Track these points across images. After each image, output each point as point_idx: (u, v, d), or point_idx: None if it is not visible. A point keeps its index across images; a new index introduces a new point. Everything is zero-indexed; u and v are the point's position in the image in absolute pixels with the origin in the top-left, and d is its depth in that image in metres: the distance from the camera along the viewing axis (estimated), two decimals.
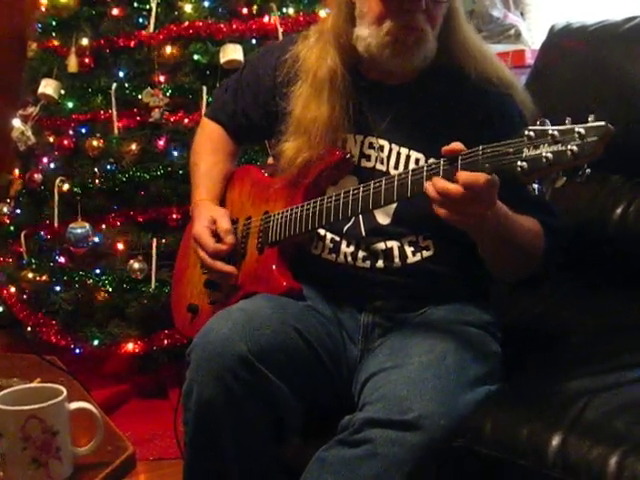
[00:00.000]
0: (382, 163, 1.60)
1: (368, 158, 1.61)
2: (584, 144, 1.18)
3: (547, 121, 1.24)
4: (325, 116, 1.58)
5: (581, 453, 1.27)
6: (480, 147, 1.29)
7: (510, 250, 1.48)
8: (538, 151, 1.22)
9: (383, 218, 1.58)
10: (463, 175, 1.29)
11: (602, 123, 1.18)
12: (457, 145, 1.33)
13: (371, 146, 1.61)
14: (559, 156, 1.20)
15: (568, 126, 1.20)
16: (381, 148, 1.60)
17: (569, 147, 1.19)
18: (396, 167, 1.58)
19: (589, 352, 1.60)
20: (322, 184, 1.61)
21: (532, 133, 1.23)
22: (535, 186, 1.26)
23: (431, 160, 1.43)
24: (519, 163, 1.23)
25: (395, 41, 1.51)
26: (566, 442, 1.29)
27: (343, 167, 1.60)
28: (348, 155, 1.60)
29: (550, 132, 1.21)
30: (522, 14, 3.38)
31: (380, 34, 1.51)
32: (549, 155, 1.20)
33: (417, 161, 1.56)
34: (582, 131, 1.18)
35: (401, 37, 1.50)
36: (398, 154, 1.59)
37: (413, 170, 1.39)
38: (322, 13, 2.75)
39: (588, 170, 1.20)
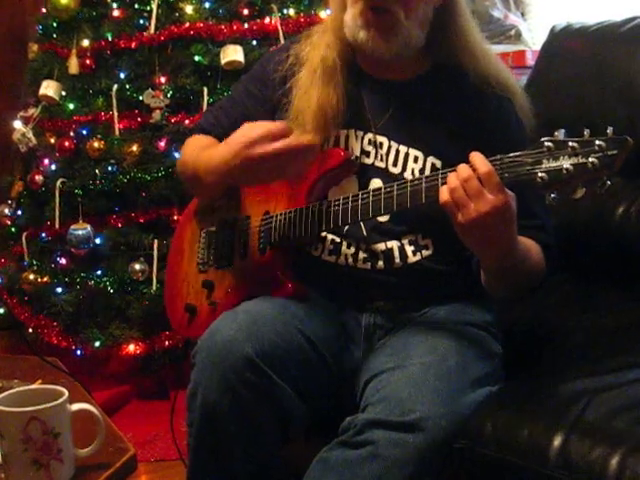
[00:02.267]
0: (382, 160, 1.59)
1: (367, 155, 1.60)
2: (604, 157, 1.20)
3: (563, 131, 1.25)
4: (325, 105, 1.58)
5: (582, 453, 1.27)
6: (498, 156, 1.30)
7: (516, 279, 1.49)
8: (558, 163, 1.23)
9: (382, 217, 1.57)
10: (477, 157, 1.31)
11: (622, 137, 1.20)
12: None
13: (370, 142, 1.60)
14: (580, 168, 1.21)
15: (587, 138, 1.22)
16: (380, 145, 1.60)
17: (590, 159, 1.20)
18: (395, 164, 1.58)
19: (589, 352, 1.60)
20: (325, 185, 1.60)
21: (551, 144, 1.24)
22: (552, 195, 1.27)
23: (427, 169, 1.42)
24: (540, 174, 1.24)
25: (367, 24, 1.51)
26: (567, 442, 1.29)
27: (348, 168, 1.59)
28: (354, 157, 1.59)
29: (570, 144, 1.22)
30: (523, 14, 3.38)
31: (355, 17, 1.52)
32: (569, 167, 1.22)
33: (416, 159, 1.57)
34: (602, 144, 1.20)
35: (372, 20, 1.50)
36: (397, 151, 1.59)
37: (427, 176, 1.39)
38: (323, 14, 2.75)
39: (609, 182, 1.22)
